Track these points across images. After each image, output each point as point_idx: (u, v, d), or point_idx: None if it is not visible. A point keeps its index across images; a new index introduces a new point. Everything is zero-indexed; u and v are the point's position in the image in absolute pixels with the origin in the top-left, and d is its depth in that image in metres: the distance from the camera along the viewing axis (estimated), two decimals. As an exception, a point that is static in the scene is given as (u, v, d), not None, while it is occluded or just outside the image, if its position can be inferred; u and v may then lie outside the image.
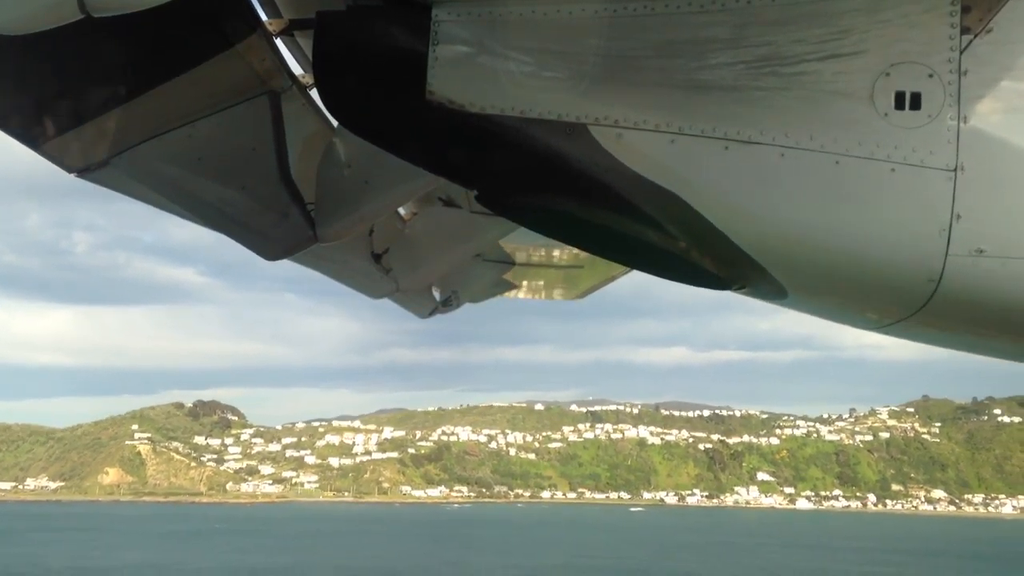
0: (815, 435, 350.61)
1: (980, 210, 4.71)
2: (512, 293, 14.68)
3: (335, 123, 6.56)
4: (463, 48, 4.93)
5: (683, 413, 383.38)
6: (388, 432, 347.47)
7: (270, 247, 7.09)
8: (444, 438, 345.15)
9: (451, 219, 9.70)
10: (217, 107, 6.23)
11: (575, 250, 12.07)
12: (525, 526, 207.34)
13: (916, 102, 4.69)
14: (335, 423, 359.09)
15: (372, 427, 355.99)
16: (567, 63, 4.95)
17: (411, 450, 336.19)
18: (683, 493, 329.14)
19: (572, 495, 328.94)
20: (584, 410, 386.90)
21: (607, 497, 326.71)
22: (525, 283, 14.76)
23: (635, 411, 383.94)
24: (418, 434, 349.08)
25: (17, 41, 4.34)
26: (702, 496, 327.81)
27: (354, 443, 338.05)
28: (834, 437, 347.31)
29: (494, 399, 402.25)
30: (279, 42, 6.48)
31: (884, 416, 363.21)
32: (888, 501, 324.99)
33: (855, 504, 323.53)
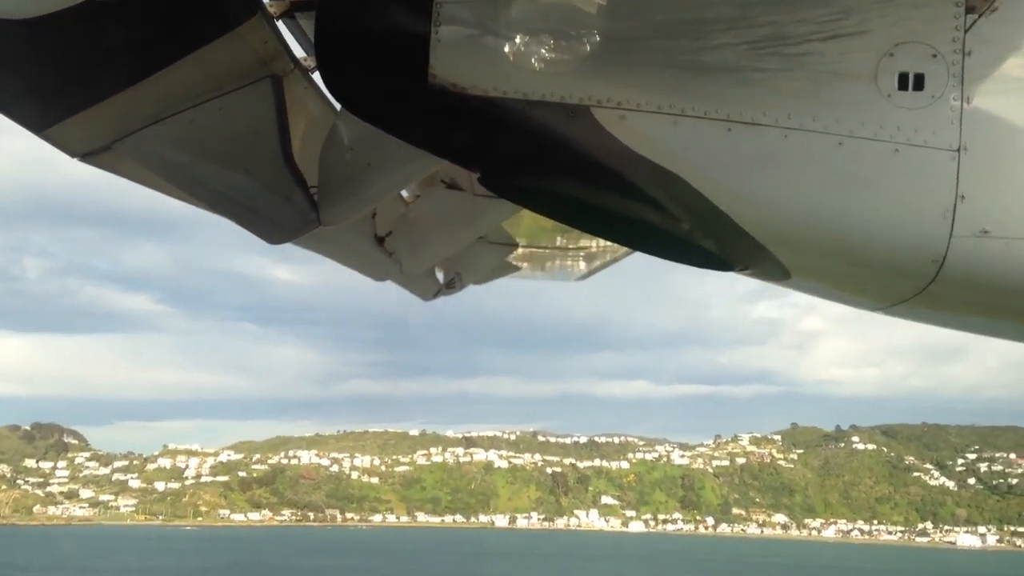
0: (664, 459, 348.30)
1: (984, 191, 4.63)
2: (515, 275, 14.57)
3: (338, 106, 6.42)
4: (465, 30, 4.82)
5: (559, 440, 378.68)
6: (225, 456, 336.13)
7: (273, 231, 7.09)
8: (284, 462, 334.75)
9: (454, 201, 9.50)
10: (219, 91, 6.16)
11: (577, 232, 11.64)
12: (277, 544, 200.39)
13: (919, 83, 4.61)
14: (170, 447, 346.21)
15: (210, 451, 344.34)
16: (569, 45, 4.83)
17: (242, 474, 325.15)
18: (517, 516, 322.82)
19: (406, 519, 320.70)
20: (460, 435, 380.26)
21: (442, 521, 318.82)
22: (528, 265, 14.59)
23: (512, 437, 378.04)
24: (255, 457, 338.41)
25: (20, 25, 4.38)
26: (538, 519, 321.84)
27: (187, 467, 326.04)
28: (683, 461, 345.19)
29: (449, 431, 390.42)
30: (280, 24, 6.42)
31: (745, 443, 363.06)
32: (724, 525, 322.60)
33: (688, 527, 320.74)
